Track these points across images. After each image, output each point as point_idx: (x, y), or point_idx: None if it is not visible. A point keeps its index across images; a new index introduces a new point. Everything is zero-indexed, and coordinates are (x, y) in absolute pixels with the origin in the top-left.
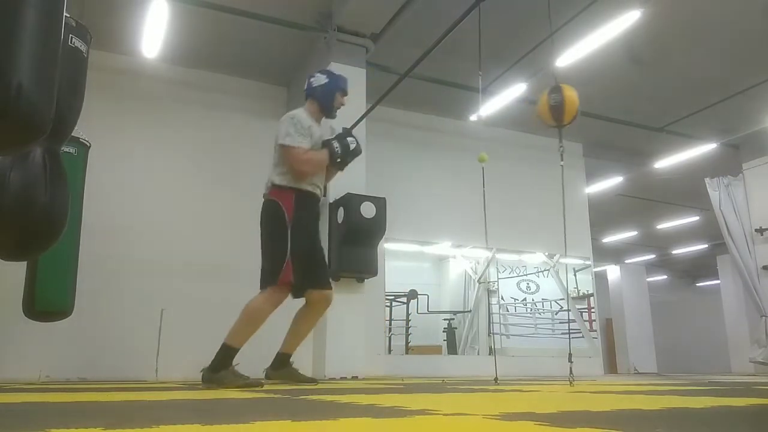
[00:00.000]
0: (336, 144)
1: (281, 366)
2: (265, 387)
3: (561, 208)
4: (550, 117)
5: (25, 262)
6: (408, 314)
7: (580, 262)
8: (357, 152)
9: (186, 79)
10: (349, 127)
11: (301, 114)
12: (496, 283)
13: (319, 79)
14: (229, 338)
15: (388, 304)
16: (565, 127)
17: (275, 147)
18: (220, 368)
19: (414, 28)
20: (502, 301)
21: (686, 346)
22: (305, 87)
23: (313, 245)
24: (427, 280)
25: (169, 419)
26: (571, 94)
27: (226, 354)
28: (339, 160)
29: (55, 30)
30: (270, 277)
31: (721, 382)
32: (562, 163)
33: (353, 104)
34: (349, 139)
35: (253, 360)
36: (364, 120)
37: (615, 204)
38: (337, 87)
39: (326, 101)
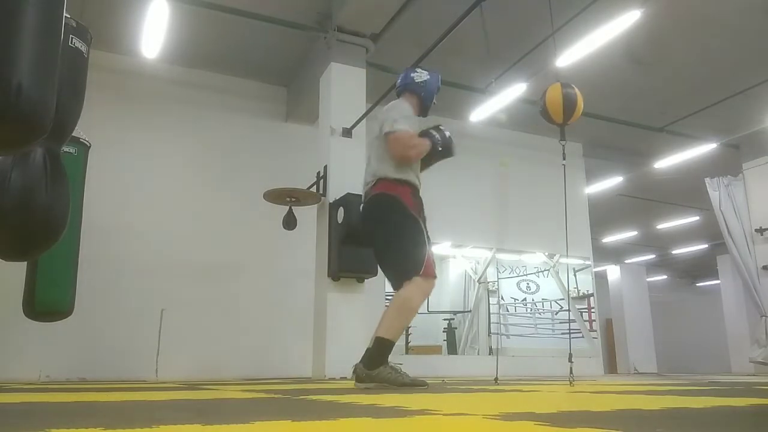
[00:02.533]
0: (435, 134)
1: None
2: (266, 387)
3: (561, 208)
4: (553, 115)
5: (25, 262)
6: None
7: (580, 262)
8: (452, 143)
9: (186, 79)
10: (349, 127)
11: (405, 104)
12: (496, 283)
13: (422, 75)
14: (383, 332)
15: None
16: (566, 125)
17: (380, 138)
18: (378, 364)
19: (414, 28)
20: (502, 301)
21: (686, 346)
22: (402, 81)
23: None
24: None
25: (169, 419)
26: (553, 95)
27: (383, 348)
28: (441, 149)
29: (55, 30)
30: (413, 267)
31: (721, 382)
32: (564, 162)
33: (353, 104)
34: (442, 128)
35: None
36: (364, 120)
37: (615, 204)
38: (437, 85)
39: (428, 99)
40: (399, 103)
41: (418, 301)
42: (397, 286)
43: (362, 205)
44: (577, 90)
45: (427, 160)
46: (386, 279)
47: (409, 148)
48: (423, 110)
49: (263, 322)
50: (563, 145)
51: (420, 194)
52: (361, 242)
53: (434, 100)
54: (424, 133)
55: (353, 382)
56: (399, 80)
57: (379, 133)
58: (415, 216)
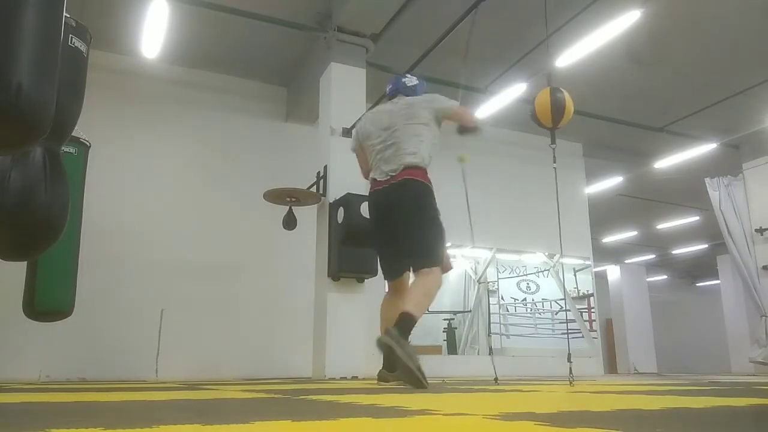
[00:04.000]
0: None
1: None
2: (266, 387)
3: (561, 209)
4: (542, 120)
5: (25, 262)
6: None
7: (580, 262)
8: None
9: (186, 79)
10: (349, 127)
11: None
12: (496, 283)
13: (412, 80)
14: (411, 308)
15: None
16: (556, 128)
17: (422, 124)
18: (405, 337)
19: (414, 28)
20: (502, 301)
21: (686, 346)
22: (393, 85)
23: None
24: None
25: (169, 419)
26: (542, 100)
27: (410, 322)
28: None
29: (55, 30)
30: (437, 258)
31: (721, 382)
32: (554, 165)
33: (353, 104)
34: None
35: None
36: None
37: (615, 204)
38: (425, 90)
39: None
40: (427, 93)
41: (437, 289)
42: (416, 268)
43: (388, 186)
44: (566, 94)
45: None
46: (389, 271)
47: (473, 116)
48: None
49: (263, 322)
50: (553, 149)
51: None
52: (363, 241)
53: None
54: None
55: (382, 339)
56: (390, 86)
57: (421, 121)
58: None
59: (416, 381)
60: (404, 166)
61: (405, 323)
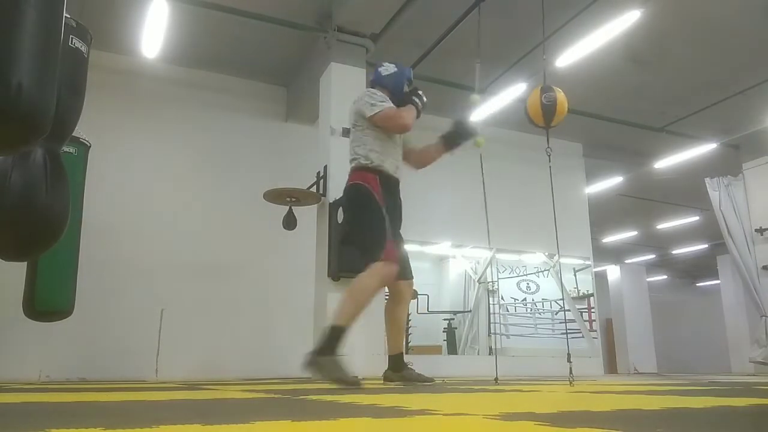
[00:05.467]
0: (415, 98)
1: (399, 368)
2: (266, 387)
3: (561, 209)
4: (541, 117)
5: (25, 262)
6: (408, 314)
7: (580, 262)
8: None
9: (186, 79)
10: (349, 127)
11: (375, 90)
12: (496, 283)
13: (388, 69)
14: (335, 318)
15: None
16: (551, 128)
17: (355, 126)
18: (326, 353)
19: (414, 28)
20: (502, 301)
21: (686, 346)
22: (372, 78)
23: (399, 234)
24: (427, 280)
25: (169, 419)
26: (562, 97)
27: (334, 336)
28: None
29: (55, 30)
30: (372, 254)
31: (721, 382)
32: (550, 164)
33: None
34: (419, 91)
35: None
36: None
37: (615, 204)
38: (404, 76)
39: (397, 89)
40: (368, 90)
41: (371, 285)
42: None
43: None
44: (535, 99)
45: (450, 146)
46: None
47: (400, 118)
48: (396, 102)
49: (263, 322)
50: (549, 149)
51: (396, 176)
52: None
53: (406, 88)
54: (406, 100)
55: (304, 367)
56: (371, 79)
57: (354, 122)
58: (380, 204)
59: (351, 386)
60: (350, 170)
61: (327, 339)
